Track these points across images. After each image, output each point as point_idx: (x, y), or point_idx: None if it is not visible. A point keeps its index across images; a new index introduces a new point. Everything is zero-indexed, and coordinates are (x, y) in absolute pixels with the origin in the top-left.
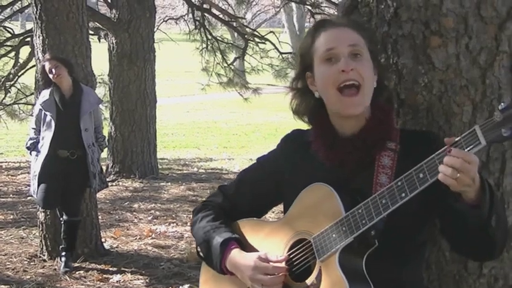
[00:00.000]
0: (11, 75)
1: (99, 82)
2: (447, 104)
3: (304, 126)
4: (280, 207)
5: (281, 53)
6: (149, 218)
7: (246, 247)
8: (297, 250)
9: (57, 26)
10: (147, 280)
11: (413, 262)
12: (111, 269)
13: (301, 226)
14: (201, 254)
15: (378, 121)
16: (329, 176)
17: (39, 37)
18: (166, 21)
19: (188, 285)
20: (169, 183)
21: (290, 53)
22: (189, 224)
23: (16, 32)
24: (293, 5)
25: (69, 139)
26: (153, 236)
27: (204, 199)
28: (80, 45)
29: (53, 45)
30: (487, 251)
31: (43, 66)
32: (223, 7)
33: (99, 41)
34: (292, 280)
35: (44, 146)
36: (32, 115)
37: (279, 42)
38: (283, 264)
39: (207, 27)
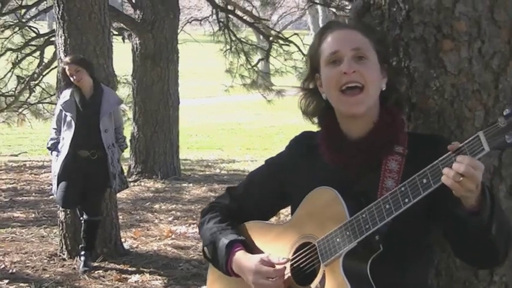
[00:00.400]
0: (35, 75)
1: (124, 82)
2: (459, 109)
3: (314, 127)
4: (289, 209)
5: (305, 55)
6: (170, 219)
7: (252, 249)
8: (301, 253)
9: (79, 26)
10: (165, 281)
11: (417, 266)
12: (129, 269)
13: (307, 229)
14: (207, 255)
15: (386, 125)
16: (334, 178)
17: (61, 37)
18: (190, 22)
19: (206, 286)
20: (191, 184)
21: None
22: None
23: (42, 32)
24: (318, 7)
25: (89, 139)
26: (173, 236)
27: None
28: (102, 45)
29: (75, 46)
30: (489, 258)
31: (64, 69)
32: (248, 9)
33: (124, 41)
34: (297, 284)
35: (64, 146)
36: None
37: (303, 44)
38: (286, 267)
39: (231, 28)
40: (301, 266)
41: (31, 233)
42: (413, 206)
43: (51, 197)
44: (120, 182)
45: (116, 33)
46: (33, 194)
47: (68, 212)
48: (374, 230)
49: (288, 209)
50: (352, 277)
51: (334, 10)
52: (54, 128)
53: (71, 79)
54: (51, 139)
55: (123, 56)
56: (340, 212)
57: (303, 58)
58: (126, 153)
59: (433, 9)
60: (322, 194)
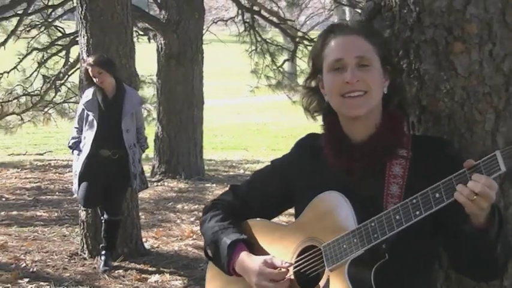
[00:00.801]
0: (61, 74)
1: (149, 82)
2: (469, 112)
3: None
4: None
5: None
6: (192, 219)
7: (255, 248)
8: (306, 256)
9: (102, 26)
10: (185, 281)
11: (423, 275)
12: (150, 269)
13: (312, 233)
14: (209, 254)
15: (388, 129)
16: (339, 182)
17: (83, 37)
18: (216, 22)
19: (205, 282)
20: (214, 185)
21: None
22: None
23: (68, 32)
24: (346, 8)
25: (111, 139)
26: (194, 237)
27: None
28: (124, 45)
29: (97, 45)
30: (489, 273)
31: (86, 69)
32: (273, 9)
33: (149, 41)
34: (300, 286)
35: (86, 146)
36: None
37: None
38: (289, 270)
39: (257, 29)
40: (305, 269)
41: (53, 232)
42: (424, 218)
43: (74, 196)
44: (140, 182)
45: (142, 33)
46: (57, 193)
47: (89, 212)
48: (382, 240)
49: (291, 210)
50: (357, 284)
51: (360, 11)
52: (75, 127)
53: (94, 80)
54: (73, 138)
55: (148, 56)
56: (348, 218)
57: None
58: (150, 152)
59: (444, 11)
60: (330, 198)
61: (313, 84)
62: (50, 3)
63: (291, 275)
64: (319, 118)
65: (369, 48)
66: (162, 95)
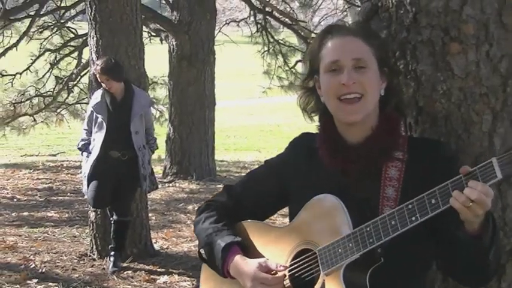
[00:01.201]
0: (73, 75)
1: (161, 84)
2: (466, 113)
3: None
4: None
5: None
6: None
7: (250, 250)
8: (301, 260)
9: (111, 27)
10: (194, 282)
11: (419, 279)
12: (159, 270)
13: (308, 236)
14: (203, 256)
15: (384, 131)
16: (334, 183)
17: (93, 38)
18: (228, 23)
19: (200, 283)
20: None
21: None
22: None
23: (81, 33)
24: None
25: (120, 141)
26: None
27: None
28: (134, 46)
29: (107, 47)
30: (480, 279)
31: (95, 74)
32: (286, 10)
33: (162, 42)
34: None
35: (95, 147)
36: None
37: None
38: (283, 273)
39: (269, 30)
40: (299, 272)
41: (63, 233)
42: (420, 222)
43: (85, 197)
44: (150, 183)
45: (154, 34)
46: (69, 194)
47: (99, 213)
48: (377, 245)
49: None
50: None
51: None
52: (85, 129)
53: (102, 84)
54: (82, 140)
55: (161, 57)
56: (343, 222)
57: None
58: (161, 153)
59: (440, 11)
60: (326, 202)
61: (310, 84)
62: (62, 5)
63: (286, 278)
64: (317, 118)
65: (366, 50)
66: (174, 96)
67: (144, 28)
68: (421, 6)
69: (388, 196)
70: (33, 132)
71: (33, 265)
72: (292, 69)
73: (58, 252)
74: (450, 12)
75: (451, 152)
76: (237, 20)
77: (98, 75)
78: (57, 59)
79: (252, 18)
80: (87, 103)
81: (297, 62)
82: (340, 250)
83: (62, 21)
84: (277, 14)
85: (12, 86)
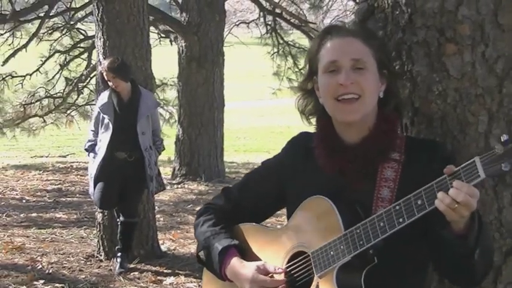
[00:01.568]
0: (83, 77)
1: (171, 85)
2: (462, 113)
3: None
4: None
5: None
6: None
7: (247, 253)
8: (296, 263)
9: (118, 28)
10: (200, 283)
11: (414, 279)
12: (165, 271)
13: (301, 238)
14: (202, 259)
15: (382, 132)
16: (329, 184)
17: (100, 39)
18: (238, 25)
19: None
20: None
21: None
22: None
23: (90, 34)
24: None
25: (127, 142)
26: None
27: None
28: (140, 47)
29: (114, 48)
30: (467, 280)
31: (102, 73)
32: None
33: (171, 44)
34: None
35: (102, 148)
36: None
37: None
38: (281, 277)
39: (279, 31)
40: (295, 275)
41: (71, 234)
42: (411, 222)
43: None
44: (157, 184)
45: (163, 35)
46: (77, 195)
47: (106, 214)
48: (368, 247)
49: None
50: None
51: None
52: (92, 130)
53: (109, 83)
54: (89, 141)
55: (170, 58)
56: (335, 224)
57: None
58: (171, 154)
59: (435, 12)
60: (318, 204)
61: (309, 86)
62: (72, 6)
63: (283, 280)
64: (314, 121)
65: (366, 51)
66: (183, 97)
67: (154, 29)
68: (416, 6)
69: (383, 197)
70: (44, 133)
71: (40, 266)
72: (301, 71)
73: (65, 253)
74: (446, 12)
75: (448, 153)
76: (247, 21)
77: (104, 73)
78: (67, 60)
79: (261, 20)
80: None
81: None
82: (332, 252)
83: (72, 22)
84: (286, 16)
85: (22, 87)
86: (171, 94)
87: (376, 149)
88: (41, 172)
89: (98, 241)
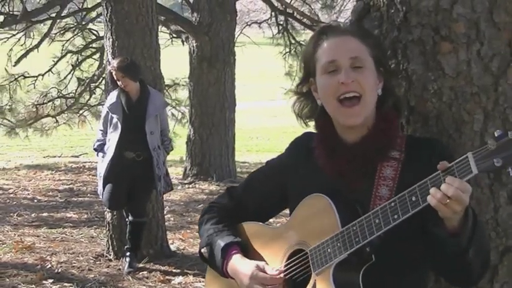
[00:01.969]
0: (95, 77)
1: (183, 85)
2: (457, 112)
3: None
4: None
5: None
6: None
7: (249, 251)
8: (295, 260)
9: (127, 29)
10: None
11: (412, 277)
12: (174, 270)
13: (300, 236)
14: (205, 256)
15: (380, 131)
16: (329, 184)
17: (109, 39)
18: (250, 25)
19: (204, 285)
20: None
21: None
22: None
23: (102, 34)
24: None
25: (135, 141)
26: None
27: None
28: (149, 48)
29: (122, 48)
30: (462, 279)
31: (111, 72)
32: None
33: (183, 44)
34: None
35: (110, 148)
36: None
37: None
38: (280, 276)
39: (290, 31)
40: (293, 273)
41: (81, 234)
42: (407, 220)
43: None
44: (165, 184)
45: (175, 35)
46: (89, 195)
47: (115, 213)
48: (364, 244)
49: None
50: (343, 287)
51: None
52: (100, 130)
53: (118, 83)
54: (98, 140)
55: (182, 58)
56: (333, 222)
57: None
58: (183, 154)
59: (430, 10)
60: (316, 202)
61: (304, 89)
62: (84, 7)
63: (281, 279)
64: (312, 124)
65: (363, 49)
66: (194, 97)
67: (166, 29)
68: (411, 5)
69: (381, 195)
70: (57, 133)
71: (50, 265)
72: None
73: (75, 253)
74: (441, 11)
75: (448, 152)
76: (259, 21)
77: (114, 73)
78: (79, 60)
79: (273, 20)
80: None
81: None
82: (329, 250)
83: (84, 23)
84: (298, 16)
85: (34, 87)
86: (183, 94)
87: (374, 147)
88: (53, 172)
89: (107, 241)
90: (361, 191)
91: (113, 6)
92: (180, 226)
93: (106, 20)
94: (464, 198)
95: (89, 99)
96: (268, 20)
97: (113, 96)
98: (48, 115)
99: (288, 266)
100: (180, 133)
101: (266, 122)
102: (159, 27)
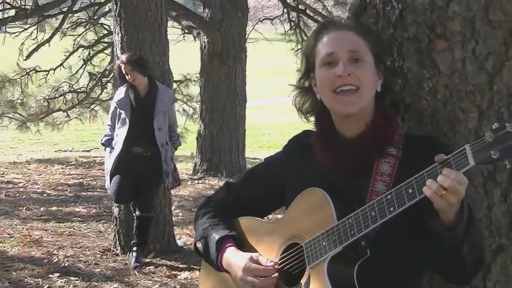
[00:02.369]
0: (107, 72)
1: (194, 80)
2: (452, 110)
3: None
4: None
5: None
6: None
7: (245, 245)
8: (289, 254)
9: (136, 24)
10: None
11: (408, 273)
12: (180, 265)
13: (295, 230)
14: (200, 250)
15: (378, 127)
16: (326, 179)
17: (118, 34)
18: (262, 21)
19: (199, 280)
20: None
21: None
22: None
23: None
24: None
25: (143, 137)
26: None
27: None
28: (158, 43)
29: (131, 43)
30: (456, 275)
31: (120, 67)
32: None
33: (195, 39)
34: (283, 283)
35: (118, 143)
36: None
37: None
38: (274, 267)
39: (303, 28)
40: (288, 266)
41: (89, 228)
42: (403, 214)
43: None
44: (172, 179)
45: (187, 31)
46: (98, 189)
47: (122, 208)
48: (359, 236)
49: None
50: (337, 281)
51: None
52: (108, 125)
53: (126, 77)
54: (106, 135)
55: (195, 54)
56: (329, 215)
57: None
58: (193, 149)
59: (426, 8)
60: (312, 195)
61: (306, 84)
62: (95, 1)
63: (276, 271)
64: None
65: (362, 43)
66: (205, 93)
67: (177, 25)
68: (407, 2)
69: (378, 191)
70: (69, 128)
71: (56, 259)
72: None
73: (82, 247)
74: (436, 9)
75: (446, 149)
76: (271, 18)
77: (123, 66)
78: (91, 55)
79: (285, 16)
80: None
81: None
82: (324, 243)
83: (95, 17)
84: (310, 13)
85: (46, 81)
86: (195, 90)
87: (372, 143)
88: (63, 166)
89: (114, 235)
90: (358, 186)
91: (122, 1)
92: (188, 221)
93: (115, 15)
94: (461, 190)
95: (100, 94)
96: (280, 16)
97: (121, 92)
98: (59, 109)
99: (283, 259)
100: (192, 129)
101: (278, 119)
102: (172, 22)
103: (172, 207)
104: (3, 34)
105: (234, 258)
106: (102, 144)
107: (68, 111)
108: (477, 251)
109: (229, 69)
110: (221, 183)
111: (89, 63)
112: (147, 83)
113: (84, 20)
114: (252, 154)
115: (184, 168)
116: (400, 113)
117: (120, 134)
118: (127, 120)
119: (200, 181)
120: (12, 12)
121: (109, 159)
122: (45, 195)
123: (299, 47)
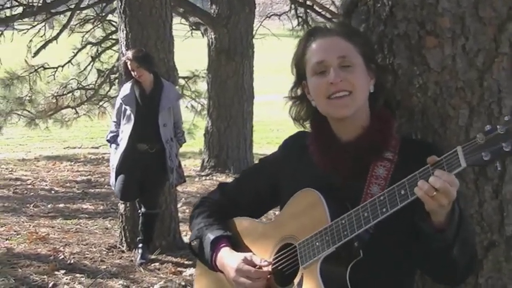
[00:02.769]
0: (115, 68)
1: (202, 77)
2: (442, 107)
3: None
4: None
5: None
6: None
7: (239, 245)
8: (283, 254)
9: (140, 21)
10: None
11: (401, 275)
12: (186, 262)
13: (289, 230)
14: (194, 250)
15: (375, 130)
16: (322, 181)
17: (123, 31)
18: (269, 17)
19: (194, 280)
20: None
21: None
22: None
23: None
24: None
25: (148, 133)
26: None
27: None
28: (163, 40)
29: (136, 40)
30: (446, 276)
31: (125, 63)
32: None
33: (203, 36)
34: (276, 284)
35: (123, 140)
36: None
37: None
38: (267, 269)
39: (310, 24)
40: (281, 266)
41: (96, 225)
42: (396, 216)
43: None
44: (177, 176)
45: (194, 28)
46: (106, 186)
47: (128, 205)
48: (352, 237)
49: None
50: (330, 281)
51: None
52: (114, 121)
53: (132, 74)
54: (111, 132)
55: (203, 50)
56: (322, 216)
57: None
58: (201, 146)
59: (416, 5)
60: (307, 196)
61: (298, 92)
62: None
63: (269, 272)
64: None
65: (350, 47)
66: (212, 89)
67: (185, 21)
68: None
69: (373, 193)
70: (78, 124)
71: (62, 256)
72: None
73: (88, 244)
74: (426, 5)
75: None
76: (278, 13)
77: (129, 63)
78: (99, 52)
79: (293, 12)
80: None
81: None
82: (317, 243)
83: (103, 14)
84: (318, 8)
85: (54, 78)
86: (203, 86)
87: (368, 146)
88: (72, 163)
89: (120, 232)
90: (353, 188)
91: None
92: None
93: (120, 12)
94: (452, 192)
95: (108, 91)
96: (288, 12)
97: (126, 88)
98: (68, 106)
99: (277, 259)
100: (200, 125)
101: (287, 115)
102: (179, 19)
103: (180, 204)
104: (12, 31)
105: (228, 259)
106: (107, 140)
107: (77, 108)
108: (468, 253)
109: (237, 65)
110: (229, 180)
111: (97, 60)
112: (152, 80)
113: (92, 17)
114: (261, 150)
115: (192, 165)
116: (394, 112)
117: (125, 130)
118: (132, 117)
119: (208, 177)
120: (20, 10)
121: (114, 155)
122: (53, 192)
123: None
